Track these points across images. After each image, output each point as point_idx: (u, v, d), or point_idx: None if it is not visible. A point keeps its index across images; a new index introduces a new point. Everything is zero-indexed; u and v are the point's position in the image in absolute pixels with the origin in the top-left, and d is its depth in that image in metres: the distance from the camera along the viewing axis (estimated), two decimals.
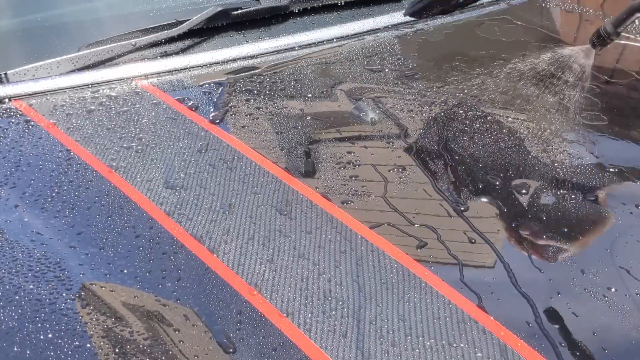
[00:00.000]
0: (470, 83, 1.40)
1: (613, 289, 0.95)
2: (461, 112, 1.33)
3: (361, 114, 1.30)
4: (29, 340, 0.84)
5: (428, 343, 0.86)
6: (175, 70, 1.39)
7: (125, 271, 0.94)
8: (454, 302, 0.91)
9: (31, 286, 0.91)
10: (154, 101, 1.30)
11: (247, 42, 1.49)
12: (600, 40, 1.32)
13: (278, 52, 1.48)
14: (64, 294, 0.90)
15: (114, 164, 1.14)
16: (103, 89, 1.33)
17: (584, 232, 1.06)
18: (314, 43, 1.51)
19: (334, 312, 0.90)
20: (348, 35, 1.55)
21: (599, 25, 1.32)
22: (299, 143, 1.22)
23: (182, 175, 1.12)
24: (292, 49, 1.49)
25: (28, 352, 0.83)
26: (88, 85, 1.33)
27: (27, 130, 1.21)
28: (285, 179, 1.12)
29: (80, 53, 1.36)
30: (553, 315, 0.91)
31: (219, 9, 1.48)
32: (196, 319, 0.88)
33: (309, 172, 1.15)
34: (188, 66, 1.41)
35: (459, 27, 1.65)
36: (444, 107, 1.35)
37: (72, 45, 1.39)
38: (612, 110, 1.39)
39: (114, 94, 1.31)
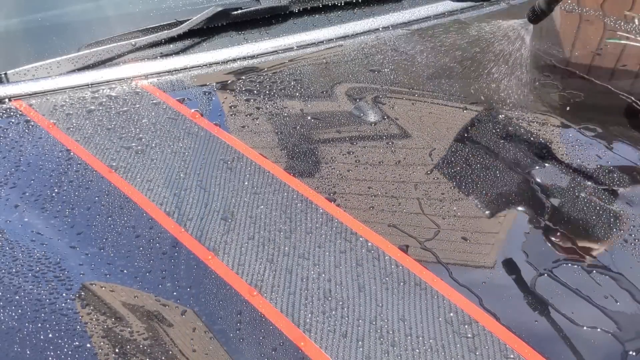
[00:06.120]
0: (469, 82, 1.40)
1: (613, 289, 0.95)
2: (461, 111, 1.33)
3: (361, 114, 1.30)
4: (29, 340, 0.84)
5: (428, 343, 0.86)
6: (175, 70, 1.39)
7: (125, 271, 0.94)
8: (454, 302, 0.91)
9: (31, 286, 0.91)
10: (154, 101, 1.30)
11: (247, 42, 1.49)
12: (535, 15, 1.41)
13: (278, 52, 1.48)
14: (64, 294, 0.90)
15: (114, 164, 1.14)
16: (103, 89, 1.33)
17: (585, 232, 1.06)
18: (314, 43, 1.51)
19: (334, 312, 0.90)
20: (348, 35, 1.55)
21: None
22: (299, 143, 1.22)
23: (182, 175, 1.12)
24: (292, 49, 1.49)
25: (28, 352, 0.83)
26: (88, 85, 1.33)
27: (27, 130, 1.21)
28: (285, 179, 1.12)
29: (80, 53, 1.36)
30: (553, 315, 0.91)
31: (219, 9, 1.48)
32: (196, 319, 0.88)
33: (309, 172, 1.15)
34: (188, 66, 1.41)
35: (459, 27, 1.65)
36: (444, 106, 1.35)
37: (72, 45, 1.39)
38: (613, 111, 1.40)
39: (114, 94, 1.31)
